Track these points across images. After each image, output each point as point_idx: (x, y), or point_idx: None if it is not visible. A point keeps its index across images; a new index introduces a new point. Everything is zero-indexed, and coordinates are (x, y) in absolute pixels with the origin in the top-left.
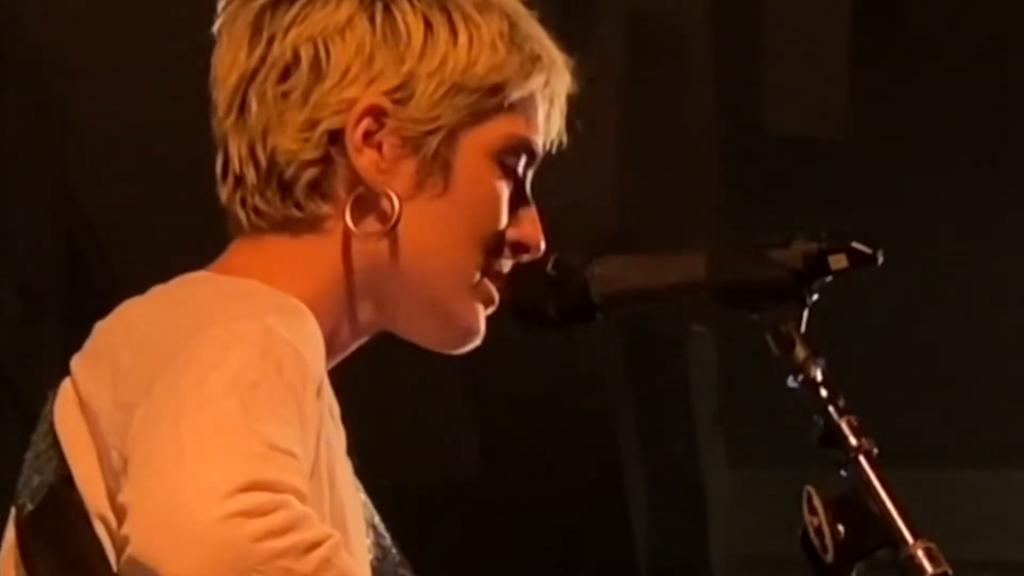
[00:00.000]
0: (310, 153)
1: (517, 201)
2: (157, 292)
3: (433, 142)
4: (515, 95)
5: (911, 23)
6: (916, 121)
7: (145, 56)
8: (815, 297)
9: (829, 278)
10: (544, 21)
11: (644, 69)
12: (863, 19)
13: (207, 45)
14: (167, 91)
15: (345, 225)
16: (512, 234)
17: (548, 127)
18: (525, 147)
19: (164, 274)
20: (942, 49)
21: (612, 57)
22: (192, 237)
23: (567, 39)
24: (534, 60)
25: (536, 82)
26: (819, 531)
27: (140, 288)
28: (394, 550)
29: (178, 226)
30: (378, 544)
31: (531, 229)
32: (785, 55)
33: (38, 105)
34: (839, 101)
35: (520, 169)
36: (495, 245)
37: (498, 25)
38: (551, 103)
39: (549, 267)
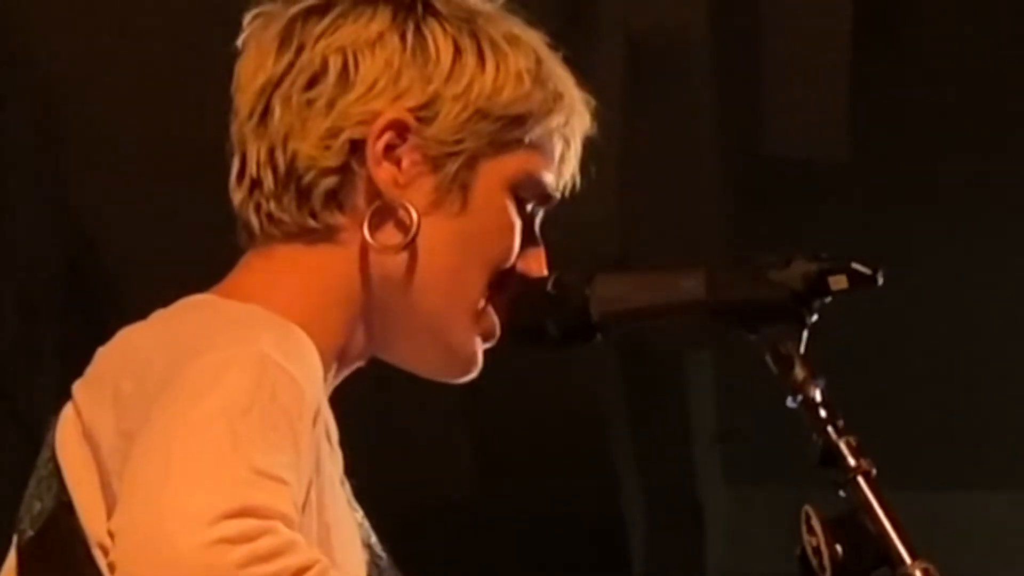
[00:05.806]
0: (330, 161)
1: (526, 239)
2: (158, 317)
3: (454, 165)
4: (536, 130)
5: (911, 43)
6: (915, 141)
7: (149, 70)
8: (815, 318)
9: (829, 299)
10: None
11: (645, 88)
12: (863, 39)
13: (215, 60)
14: (170, 106)
15: (362, 237)
16: (519, 267)
17: (562, 168)
18: (540, 186)
19: (164, 289)
20: (942, 69)
21: (613, 75)
22: (193, 251)
23: (568, 56)
24: (557, 98)
25: (557, 120)
26: (817, 551)
27: (139, 302)
28: (391, 570)
29: (179, 241)
30: (374, 564)
31: (536, 266)
32: (785, 75)
33: (39, 118)
34: (839, 121)
35: (531, 207)
36: (503, 275)
37: (525, 60)
38: (567, 144)
39: (549, 286)
